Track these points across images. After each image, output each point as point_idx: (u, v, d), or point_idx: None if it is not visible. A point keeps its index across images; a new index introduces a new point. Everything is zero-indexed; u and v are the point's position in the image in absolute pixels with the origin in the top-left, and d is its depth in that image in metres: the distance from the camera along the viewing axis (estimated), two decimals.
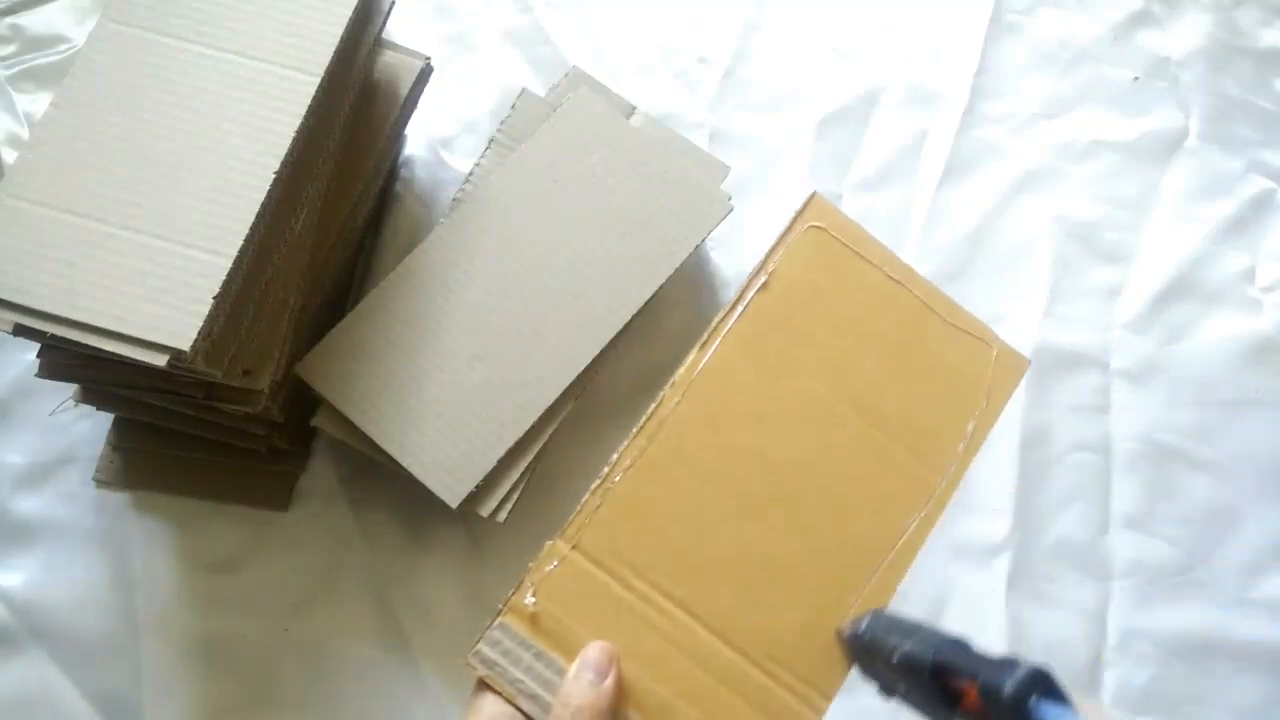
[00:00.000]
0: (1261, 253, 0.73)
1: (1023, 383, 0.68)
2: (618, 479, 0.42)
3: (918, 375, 0.46)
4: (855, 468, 0.45)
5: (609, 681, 0.39)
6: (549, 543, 0.42)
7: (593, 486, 0.42)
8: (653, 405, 0.43)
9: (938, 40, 0.79)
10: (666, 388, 0.44)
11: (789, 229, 0.46)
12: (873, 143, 0.76)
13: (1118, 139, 0.76)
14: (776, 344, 0.45)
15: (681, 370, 0.44)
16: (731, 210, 0.62)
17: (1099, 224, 0.74)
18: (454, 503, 0.56)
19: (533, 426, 0.57)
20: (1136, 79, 0.78)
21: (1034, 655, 0.62)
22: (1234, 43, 0.79)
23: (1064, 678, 0.62)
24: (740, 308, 0.45)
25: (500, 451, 0.57)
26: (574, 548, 0.42)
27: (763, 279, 0.45)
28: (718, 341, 0.44)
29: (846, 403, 0.45)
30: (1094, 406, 0.69)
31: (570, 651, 0.40)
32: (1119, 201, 0.75)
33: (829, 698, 0.43)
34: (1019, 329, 0.70)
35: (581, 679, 0.39)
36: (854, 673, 0.43)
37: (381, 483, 0.63)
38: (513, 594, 0.41)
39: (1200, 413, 0.69)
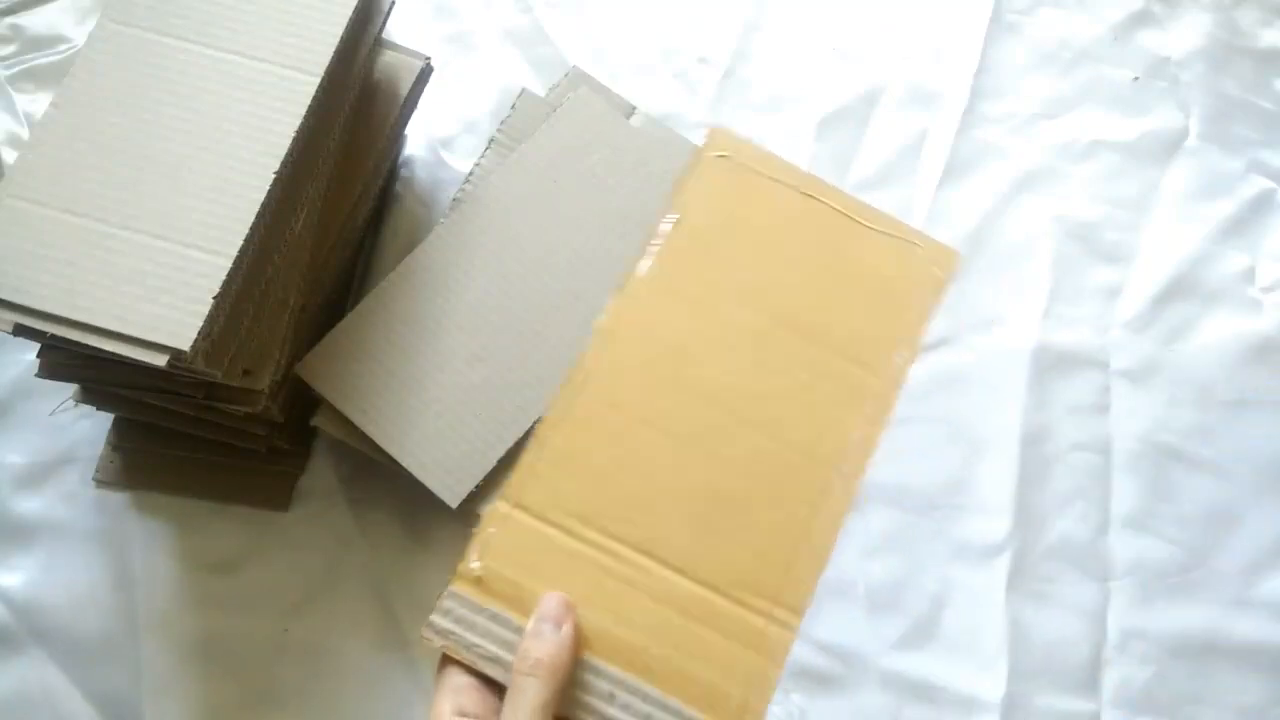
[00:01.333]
0: (1261, 253, 0.73)
1: (1023, 383, 0.68)
2: (550, 433, 0.42)
3: (847, 285, 0.44)
4: (794, 384, 0.43)
5: (566, 629, 0.38)
6: (488, 506, 0.42)
7: (528, 445, 0.42)
8: (577, 356, 0.42)
9: (938, 40, 0.79)
10: (589, 337, 0.43)
11: (692, 163, 0.45)
12: (873, 143, 0.76)
13: (1118, 139, 0.76)
14: (697, 277, 0.43)
15: (601, 317, 0.43)
16: None
17: (1099, 224, 0.74)
18: (454, 503, 0.56)
19: (533, 426, 0.57)
20: (1136, 79, 0.78)
21: (1034, 655, 0.62)
22: (1234, 43, 0.79)
23: (1064, 678, 0.62)
24: (653, 247, 0.43)
25: (500, 451, 0.57)
26: (515, 506, 0.41)
27: (673, 216, 0.43)
28: (634, 284, 0.43)
29: (777, 322, 0.43)
30: (1094, 406, 0.69)
31: (526, 609, 0.39)
32: (1119, 201, 0.74)
33: (800, 613, 0.42)
34: (1019, 329, 0.70)
35: (538, 631, 0.38)
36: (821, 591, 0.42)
37: (381, 483, 0.63)
38: (460, 562, 0.41)
39: (1200, 413, 0.69)
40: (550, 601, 0.39)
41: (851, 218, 0.45)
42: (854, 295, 0.45)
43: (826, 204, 0.45)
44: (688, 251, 0.43)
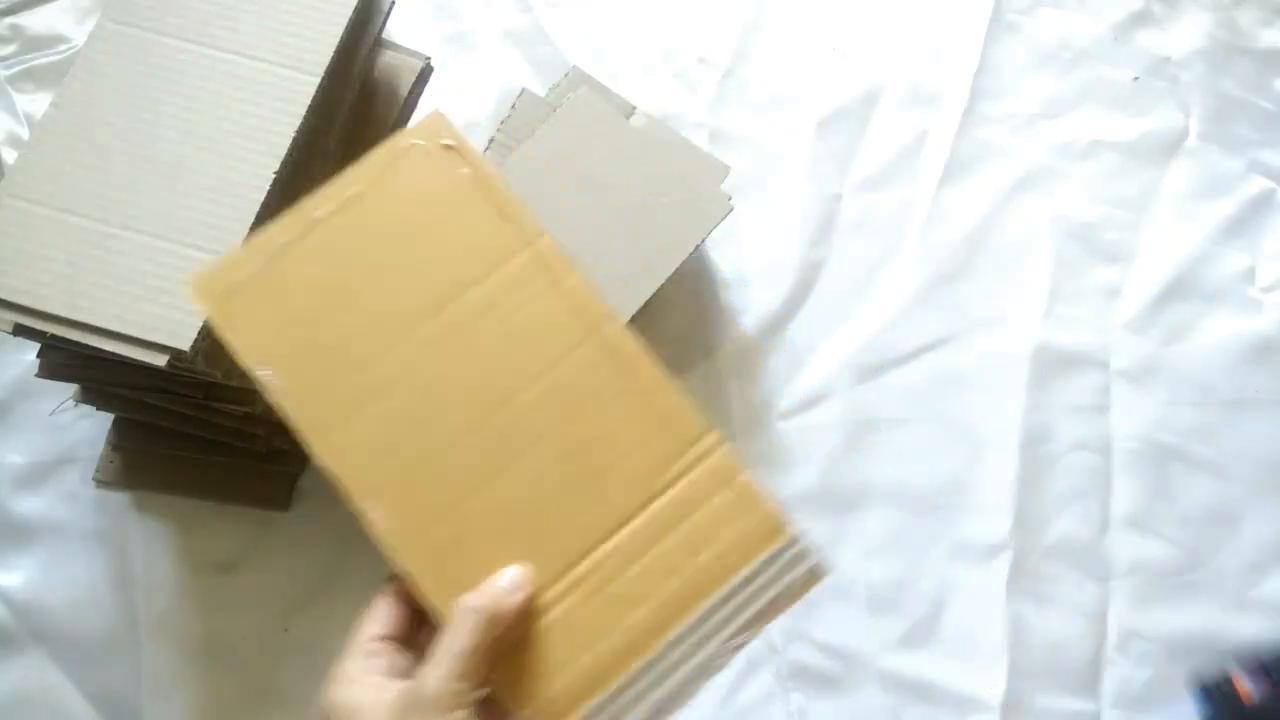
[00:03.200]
0: (1261, 253, 0.73)
1: (1023, 383, 0.68)
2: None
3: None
4: (500, 332, 0.42)
5: (520, 595, 0.37)
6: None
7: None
8: None
9: (938, 40, 0.79)
10: None
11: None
12: (873, 143, 0.76)
13: (1118, 139, 0.76)
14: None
15: None
16: (731, 210, 0.62)
17: (1099, 224, 0.74)
18: None
19: None
20: (1136, 79, 0.78)
21: (1034, 655, 0.62)
22: (1234, 43, 0.79)
23: (1064, 678, 0.62)
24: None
25: None
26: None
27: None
28: None
29: (447, 304, 0.42)
30: (1094, 406, 0.69)
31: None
32: (1119, 201, 0.75)
33: (709, 427, 0.40)
34: (1019, 329, 0.70)
35: (490, 585, 0.37)
36: None
37: None
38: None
39: (1200, 413, 0.69)
40: (511, 570, 0.38)
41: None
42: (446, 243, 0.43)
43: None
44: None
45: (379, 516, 0.39)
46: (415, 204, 0.43)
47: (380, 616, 0.38)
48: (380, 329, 0.41)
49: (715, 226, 0.62)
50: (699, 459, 0.40)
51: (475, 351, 0.41)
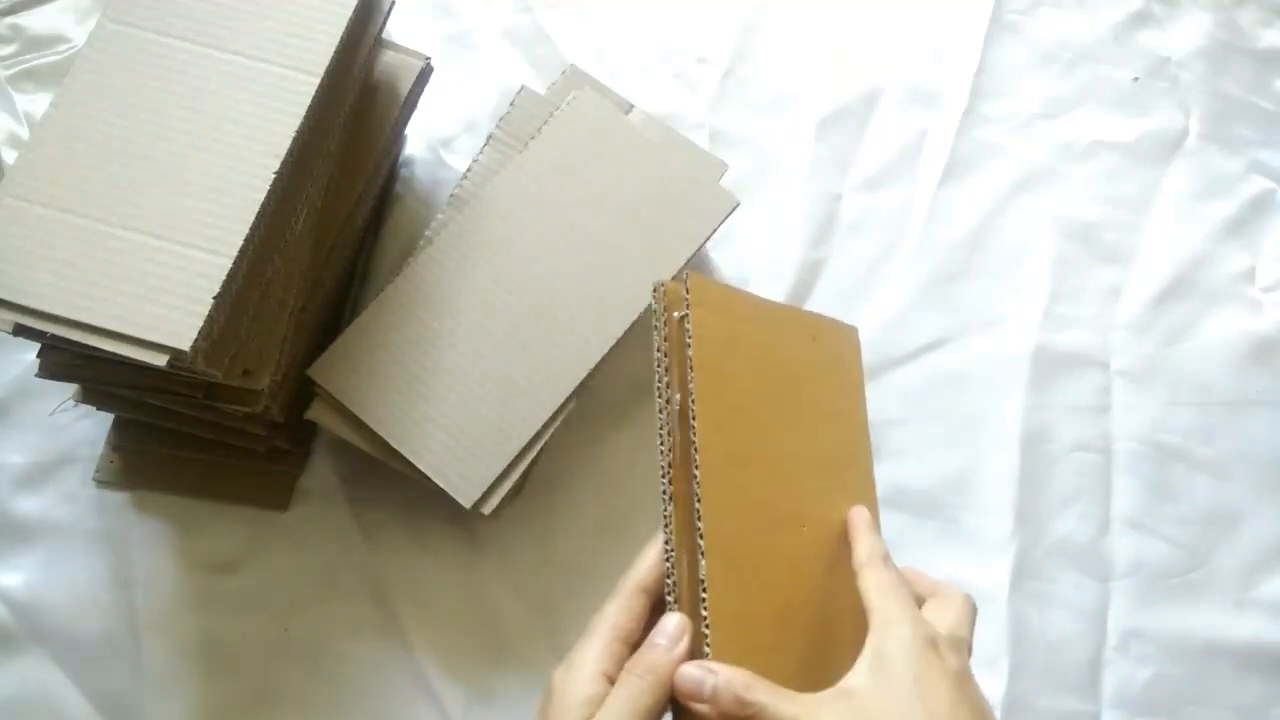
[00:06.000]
0: (1261, 253, 0.73)
1: (1023, 383, 0.69)
2: (723, 599, 0.40)
3: (822, 396, 0.50)
4: (825, 487, 0.47)
5: (680, 648, 0.39)
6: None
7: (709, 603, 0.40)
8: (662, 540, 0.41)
9: (938, 40, 0.79)
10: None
11: (680, 324, 0.43)
12: (873, 143, 0.76)
13: (1118, 139, 0.76)
14: (741, 437, 0.44)
15: (702, 504, 0.41)
16: (738, 205, 0.62)
17: (1099, 224, 0.74)
18: (468, 503, 0.56)
19: (543, 428, 0.57)
20: (1136, 79, 0.78)
21: (1035, 655, 0.62)
22: (1234, 43, 0.79)
23: (1064, 678, 0.62)
24: (694, 422, 0.42)
25: (513, 451, 0.57)
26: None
27: (691, 388, 0.42)
28: (704, 472, 0.41)
29: (800, 450, 0.47)
30: (1094, 406, 0.69)
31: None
32: (1119, 201, 0.75)
33: None
34: (1019, 329, 0.70)
35: (654, 644, 0.39)
36: None
37: (381, 483, 0.63)
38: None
39: (1200, 413, 0.69)
40: (671, 621, 0.39)
41: (806, 330, 0.50)
42: (829, 400, 0.50)
43: (784, 325, 0.50)
44: (724, 419, 0.44)
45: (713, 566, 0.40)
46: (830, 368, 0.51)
47: (633, 611, 0.40)
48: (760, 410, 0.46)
49: (723, 221, 0.62)
50: None
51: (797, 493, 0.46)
